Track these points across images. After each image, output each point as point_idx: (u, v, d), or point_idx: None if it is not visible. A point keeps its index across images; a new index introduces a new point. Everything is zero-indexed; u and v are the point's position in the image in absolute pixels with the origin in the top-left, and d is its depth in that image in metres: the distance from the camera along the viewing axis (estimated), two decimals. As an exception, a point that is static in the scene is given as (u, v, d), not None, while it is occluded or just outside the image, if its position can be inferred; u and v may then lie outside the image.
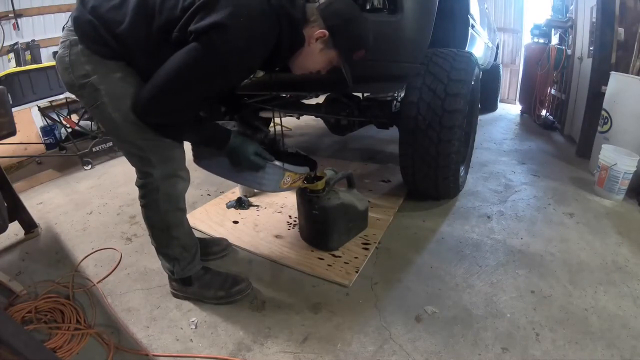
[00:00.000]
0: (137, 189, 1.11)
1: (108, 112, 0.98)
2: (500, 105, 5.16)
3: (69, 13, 0.96)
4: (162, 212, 1.11)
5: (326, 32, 0.98)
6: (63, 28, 0.98)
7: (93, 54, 0.93)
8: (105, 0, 0.93)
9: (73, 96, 2.88)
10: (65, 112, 3.11)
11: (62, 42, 0.96)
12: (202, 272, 1.27)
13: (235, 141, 1.05)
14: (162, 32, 0.91)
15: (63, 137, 3.36)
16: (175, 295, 1.29)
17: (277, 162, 1.14)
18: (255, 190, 2.09)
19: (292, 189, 1.28)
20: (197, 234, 1.56)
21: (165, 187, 1.07)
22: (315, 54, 1.03)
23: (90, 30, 0.92)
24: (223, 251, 1.53)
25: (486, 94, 4.31)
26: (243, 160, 1.07)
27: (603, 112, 2.22)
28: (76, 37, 0.93)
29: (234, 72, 0.94)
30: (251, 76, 1.07)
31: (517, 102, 5.11)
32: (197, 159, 1.20)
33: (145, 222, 1.16)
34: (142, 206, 1.13)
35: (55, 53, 3.57)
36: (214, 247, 1.52)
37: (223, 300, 1.24)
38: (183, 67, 0.89)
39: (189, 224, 1.21)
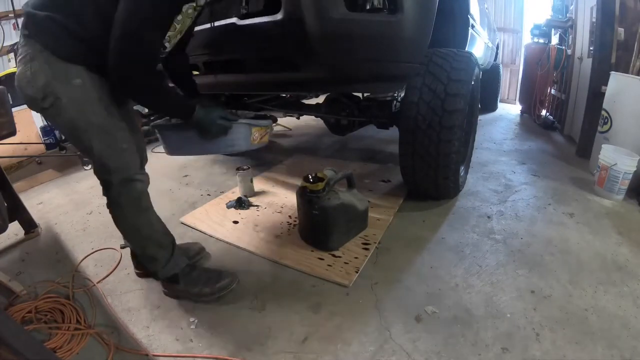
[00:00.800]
0: None
1: (70, 120, 1.00)
2: (500, 105, 5.17)
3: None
4: (127, 215, 1.14)
5: None
6: (15, 50, 1.00)
7: (56, 59, 0.95)
8: None
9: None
10: (65, 112, 3.10)
11: (20, 59, 0.97)
12: (189, 270, 1.28)
13: (200, 111, 1.11)
14: None
15: (63, 137, 3.36)
16: (166, 294, 1.30)
17: (242, 120, 1.23)
18: (255, 190, 2.10)
19: (263, 144, 1.35)
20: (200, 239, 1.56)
21: (125, 191, 1.11)
22: None
23: (49, 25, 0.94)
24: (196, 256, 1.50)
25: (486, 94, 4.31)
26: (211, 126, 1.13)
27: (603, 112, 2.22)
28: (35, 47, 0.94)
29: None
30: (193, 4, 1.11)
31: (517, 102, 5.11)
32: (170, 150, 1.26)
33: (117, 228, 1.19)
34: (110, 213, 1.16)
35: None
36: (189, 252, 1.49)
37: (208, 297, 1.25)
38: (131, 4, 0.92)
39: (159, 222, 1.23)
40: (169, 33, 1.09)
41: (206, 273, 1.30)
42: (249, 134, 1.25)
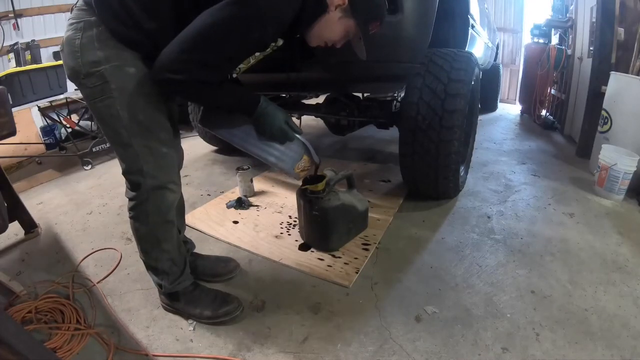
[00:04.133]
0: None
1: (115, 109, 0.92)
2: (500, 105, 5.17)
3: (70, 13, 0.94)
4: (151, 224, 1.06)
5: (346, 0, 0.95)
6: (71, 9, 0.92)
7: (111, 37, 0.88)
8: None
9: (73, 96, 2.91)
10: (65, 112, 3.11)
11: (72, 24, 0.89)
12: (191, 288, 1.21)
13: (266, 106, 1.00)
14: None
15: (63, 137, 3.36)
16: (165, 309, 1.23)
17: (302, 138, 1.09)
18: (255, 190, 2.10)
19: (296, 177, 1.18)
20: (207, 251, 1.55)
21: (154, 199, 1.03)
22: (334, 23, 0.99)
23: (120, 9, 0.87)
24: (230, 273, 1.40)
25: (486, 94, 4.31)
26: (273, 128, 1.02)
27: (603, 112, 2.22)
28: (92, 19, 0.87)
29: (270, 25, 0.89)
30: (273, 44, 1.04)
31: (517, 102, 5.11)
32: (211, 125, 1.09)
33: (134, 234, 1.11)
34: (131, 218, 1.08)
35: (55, 53, 3.56)
36: (218, 268, 1.41)
37: (210, 321, 1.16)
38: (219, 20, 0.85)
39: (178, 237, 1.16)
40: (242, 66, 1.02)
41: (208, 294, 1.21)
42: (299, 158, 1.11)
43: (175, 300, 1.20)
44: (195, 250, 1.43)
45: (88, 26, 0.88)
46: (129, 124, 0.94)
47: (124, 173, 1.03)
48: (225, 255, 1.48)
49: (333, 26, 1.00)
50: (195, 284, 1.23)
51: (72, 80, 0.95)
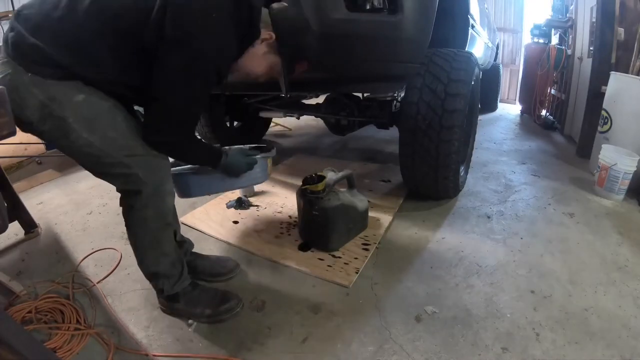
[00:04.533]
0: None
1: (84, 139, 0.89)
2: (500, 105, 5.18)
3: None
4: (152, 229, 1.05)
5: (273, 35, 0.98)
6: None
7: (44, 80, 0.84)
8: (45, 14, 0.84)
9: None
10: (65, 112, 3.10)
11: (2, 78, 0.83)
12: (190, 288, 1.19)
13: (225, 159, 1.14)
14: (127, 37, 0.88)
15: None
16: (164, 312, 1.21)
17: (259, 155, 1.29)
18: (255, 190, 2.10)
19: (269, 174, 1.43)
20: (207, 251, 1.55)
21: (154, 203, 1.01)
22: (259, 56, 1.02)
23: (35, 55, 0.83)
24: (230, 273, 1.39)
25: (486, 94, 4.32)
26: (240, 171, 1.20)
27: (603, 112, 2.22)
28: (19, 68, 0.83)
29: (218, 60, 0.93)
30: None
31: (517, 102, 5.11)
32: (190, 193, 1.27)
33: (131, 242, 1.09)
34: (128, 226, 1.06)
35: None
36: (218, 267, 1.40)
37: (211, 319, 1.15)
38: (180, 79, 0.89)
39: (174, 240, 1.15)
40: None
41: (207, 292, 1.20)
42: (267, 166, 1.35)
43: (175, 302, 1.19)
44: (195, 250, 1.43)
45: (19, 77, 0.83)
46: (104, 145, 0.92)
47: (121, 191, 1.03)
48: (225, 255, 1.49)
49: (257, 60, 1.02)
50: (194, 284, 1.22)
51: (28, 132, 0.91)
